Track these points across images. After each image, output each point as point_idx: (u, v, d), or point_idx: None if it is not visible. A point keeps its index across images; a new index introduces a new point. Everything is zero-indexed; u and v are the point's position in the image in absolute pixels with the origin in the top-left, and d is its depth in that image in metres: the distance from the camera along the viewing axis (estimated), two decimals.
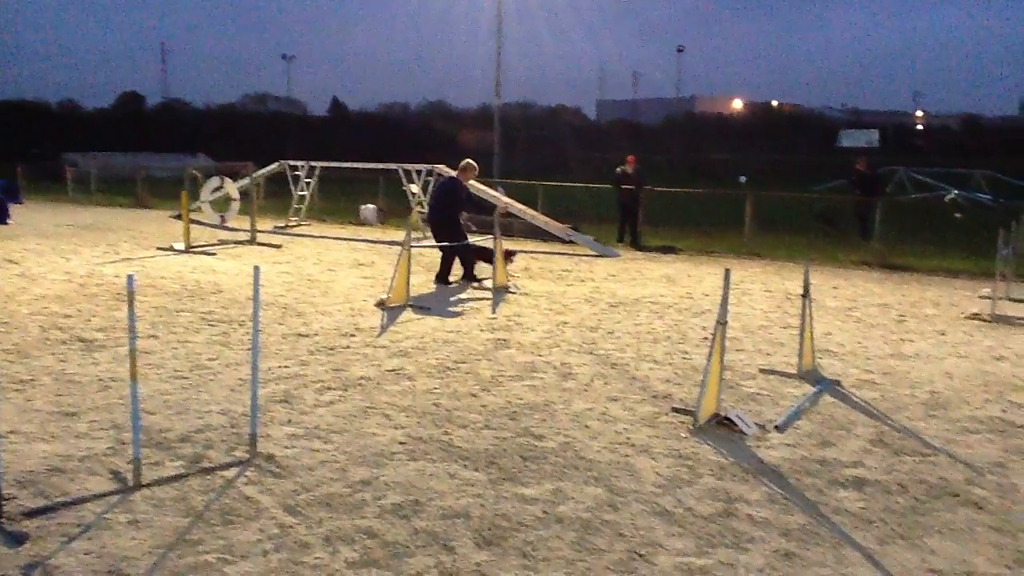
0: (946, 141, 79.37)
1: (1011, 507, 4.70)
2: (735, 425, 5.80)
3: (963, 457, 5.45)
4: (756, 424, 5.90)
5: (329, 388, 6.53)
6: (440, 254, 11.76)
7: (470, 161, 11.91)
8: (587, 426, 5.85)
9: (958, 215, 22.98)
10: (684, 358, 7.78)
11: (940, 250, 15.64)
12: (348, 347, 7.85)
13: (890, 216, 16.61)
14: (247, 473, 4.84)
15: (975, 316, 9.99)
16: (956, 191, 30.29)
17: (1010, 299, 10.75)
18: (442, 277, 11.57)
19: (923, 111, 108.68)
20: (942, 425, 6.08)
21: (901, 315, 10.10)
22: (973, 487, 4.97)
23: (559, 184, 21.32)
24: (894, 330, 9.24)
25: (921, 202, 27.08)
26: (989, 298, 10.35)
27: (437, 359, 7.50)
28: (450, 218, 11.68)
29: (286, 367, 7.08)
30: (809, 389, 6.85)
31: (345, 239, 16.98)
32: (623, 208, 17.10)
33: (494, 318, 9.41)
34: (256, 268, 5.33)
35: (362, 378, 6.83)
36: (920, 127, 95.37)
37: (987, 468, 5.27)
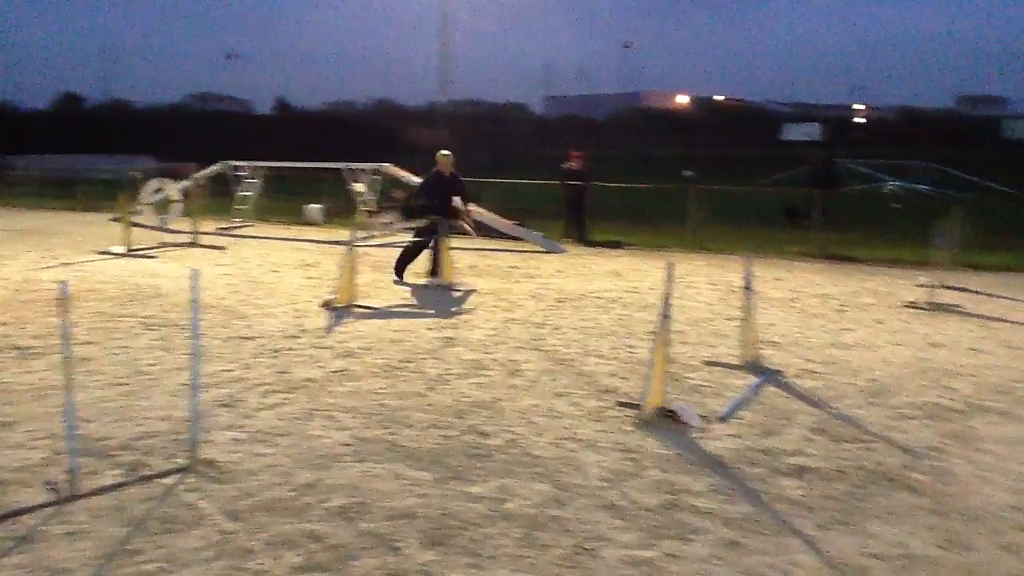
0: (886, 133, 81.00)
1: (946, 490, 4.82)
2: (679, 417, 5.86)
3: (901, 443, 5.58)
4: (700, 415, 5.96)
5: (273, 391, 6.46)
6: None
7: (440, 152, 11.94)
8: (533, 422, 5.86)
9: (896, 205, 23.47)
10: (630, 352, 7.84)
11: (879, 240, 15.96)
12: (293, 349, 7.77)
13: (831, 207, 16.92)
14: (188, 480, 4.76)
15: (912, 304, 10.22)
16: (895, 181, 30.94)
17: (946, 287, 11.00)
18: (433, 271, 11.59)
19: (864, 104, 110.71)
20: (881, 412, 6.21)
21: (841, 305, 10.29)
22: (910, 472, 5.09)
23: (507, 180, 21.31)
24: (835, 320, 9.41)
25: (861, 193, 27.61)
26: (926, 286, 10.60)
27: (383, 359, 7.46)
28: (421, 210, 11.75)
29: (229, 370, 6.98)
30: (752, 380, 6.94)
31: (290, 240, 16.81)
32: (570, 204, 17.16)
33: (441, 316, 9.39)
34: (195, 271, 5.23)
35: (307, 380, 6.76)
36: (861, 120, 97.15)
37: (924, 453, 5.40)
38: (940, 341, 8.47)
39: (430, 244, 11.62)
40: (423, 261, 11.83)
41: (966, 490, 4.83)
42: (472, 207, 13.06)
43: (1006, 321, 9.48)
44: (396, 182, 18.10)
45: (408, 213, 12.71)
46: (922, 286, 10.97)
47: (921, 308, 10.05)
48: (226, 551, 3.98)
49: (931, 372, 7.31)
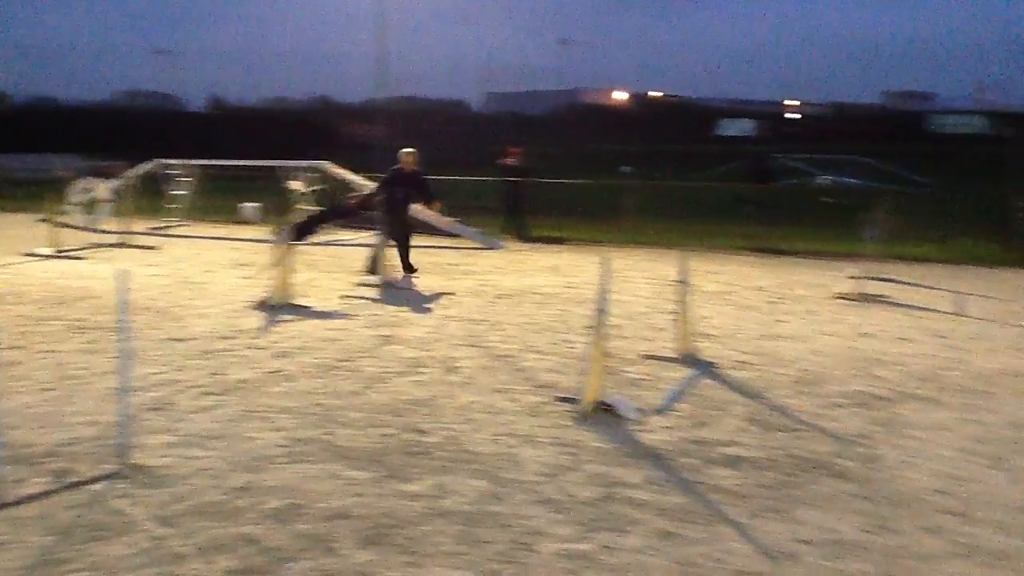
0: (817, 128, 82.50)
1: (874, 476, 4.95)
2: (617, 410, 5.91)
3: (831, 431, 5.71)
4: (637, 409, 6.03)
5: (206, 393, 6.35)
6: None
7: (403, 149, 12.01)
8: (472, 419, 5.86)
9: (827, 199, 23.96)
10: (568, 347, 7.89)
11: (811, 233, 16.29)
12: (227, 350, 7.64)
13: (765, 201, 17.24)
14: (118, 486, 4.66)
15: (843, 296, 10.47)
16: (827, 176, 31.64)
17: (874, 278, 11.28)
18: (405, 267, 11.62)
19: (796, 100, 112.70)
20: (812, 401, 6.35)
21: (774, 297, 10.49)
22: (840, 459, 5.21)
23: (446, 176, 21.27)
24: (768, 312, 9.59)
25: (794, 187, 28.15)
26: (855, 278, 10.85)
27: (319, 358, 7.38)
28: (386, 211, 11.64)
29: (161, 373, 6.84)
30: (688, 372, 7.04)
31: (224, 239, 16.53)
32: (508, 200, 17.19)
33: (379, 315, 9.33)
34: (122, 270, 5.12)
35: (241, 381, 6.66)
36: (793, 116, 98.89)
37: (853, 440, 5.54)
38: (869, 331, 8.69)
39: (396, 237, 11.59)
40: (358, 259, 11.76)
41: (893, 475, 4.97)
42: (437, 206, 13.05)
43: (932, 310, 9.76)
44: (334, 180, 17.96)
45: (302, 232, 12.05)
46: (852, 277, 11.22)
47: (851, 299, 10.30)
48: (157, 557, 3.90)
49: (860, 361, 7.49)
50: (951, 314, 9.59)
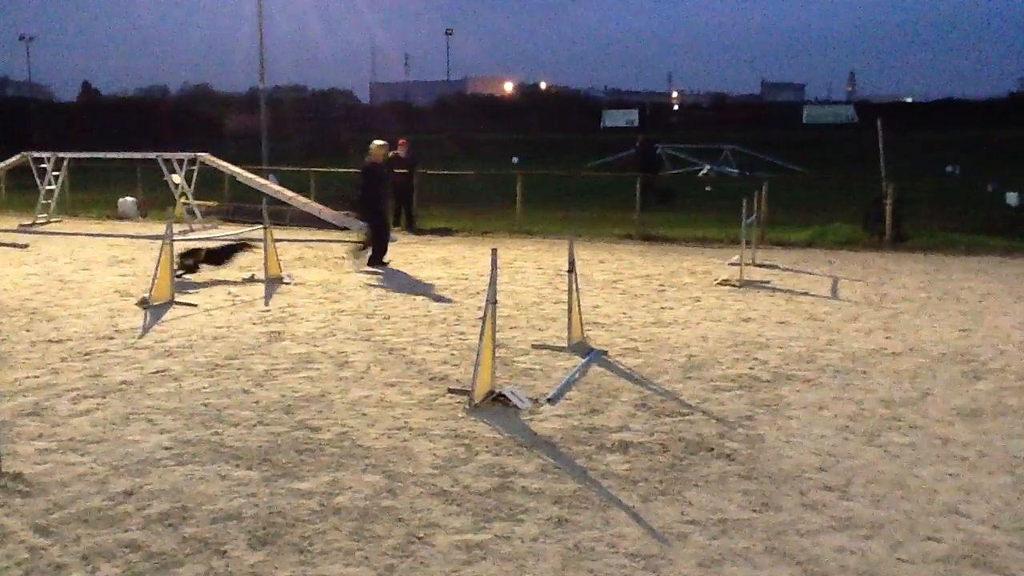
0: (698, 118, 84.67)
1: (758, 456, 5.13)
2: (510, 401, 5.95)
3: (716, 413, 5.89)
4: (529, 398, 6.08)
5: (85, 396, 6.09)
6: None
7: (374, 142, 12.43)
8: (364, 414, 5.81)
9: (709, 188, 24.67)
10: (460, 339, 7.90)
11: (695, 221, 16.73)
12: (106, 351, 7.35)
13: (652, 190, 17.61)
14: None
15: (726, 282, 10.79)
16: (708, 165, 32.54)
17: (755, 264, 11.69)
18: (376, 259, 12.01)
19: (677, 91, 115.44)
20: (698, 385, 6.53)
21: (661, 285, 10.74)
22: (725, 440, 5.38)
23: (332, 169, 20.97)
24: (655, 299, 9.82)
25: (678, 176, 28.83)
26: (737, 264, 11.22)
27: (206, 357, 7.18)
28: (365, 201, 12.32)
29: (35, 377, 6.53)
30: (579, 361, 7.15)
31: (102, 235, 15.87)
32: (397, 192, 17.03)
33: (267, 310, 9.13)
34: None
35: (123, 382, 6.42)
36: (675, 106, 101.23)
37: (737, 422, 5.73)
38: (751, 316, 8.99)
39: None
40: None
41: (775, 455, 5.16)
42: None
43: (809, 295, 10.17)
44: (214, 171, 17.49)
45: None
46: (734, 264, 11.60)
47: (733, 285, 10.63)
48: (36, 568, 3.74)
49: (743, 345, 7.75)
50: (827, 297, 10.01)
